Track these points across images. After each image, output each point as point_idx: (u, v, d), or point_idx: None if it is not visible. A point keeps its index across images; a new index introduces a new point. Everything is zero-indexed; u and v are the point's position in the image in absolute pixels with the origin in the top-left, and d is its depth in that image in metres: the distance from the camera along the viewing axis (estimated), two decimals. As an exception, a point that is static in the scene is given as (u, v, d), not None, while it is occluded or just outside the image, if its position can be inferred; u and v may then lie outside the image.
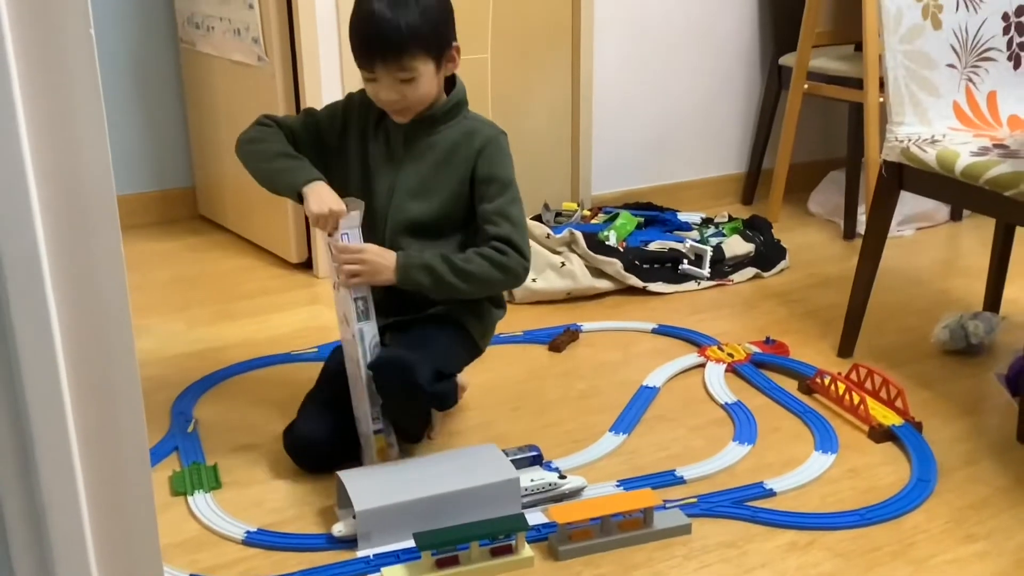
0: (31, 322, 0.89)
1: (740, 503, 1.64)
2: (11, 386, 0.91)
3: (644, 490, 1.61)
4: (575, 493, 1.65)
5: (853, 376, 1.98)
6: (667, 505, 1.62)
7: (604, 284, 2.52)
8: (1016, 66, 2.07)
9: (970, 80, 2.03)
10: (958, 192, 1.88)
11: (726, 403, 1.97)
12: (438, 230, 1.71)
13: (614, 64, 3.00)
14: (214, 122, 2.90)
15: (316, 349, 2.20)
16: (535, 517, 1.58)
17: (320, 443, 1.68)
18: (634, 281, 2.52)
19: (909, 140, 1.94)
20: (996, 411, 1.96)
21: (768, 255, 2.72)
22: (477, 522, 1.49)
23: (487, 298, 1.81)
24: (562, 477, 1.66)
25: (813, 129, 3.27)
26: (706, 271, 2.60)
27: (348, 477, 1.56)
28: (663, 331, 2.32)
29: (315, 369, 2.04)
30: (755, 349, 2.18)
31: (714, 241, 2.72)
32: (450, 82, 1.74)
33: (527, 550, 1.50)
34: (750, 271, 2.66)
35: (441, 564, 1.45)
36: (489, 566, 1.47)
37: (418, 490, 1.54)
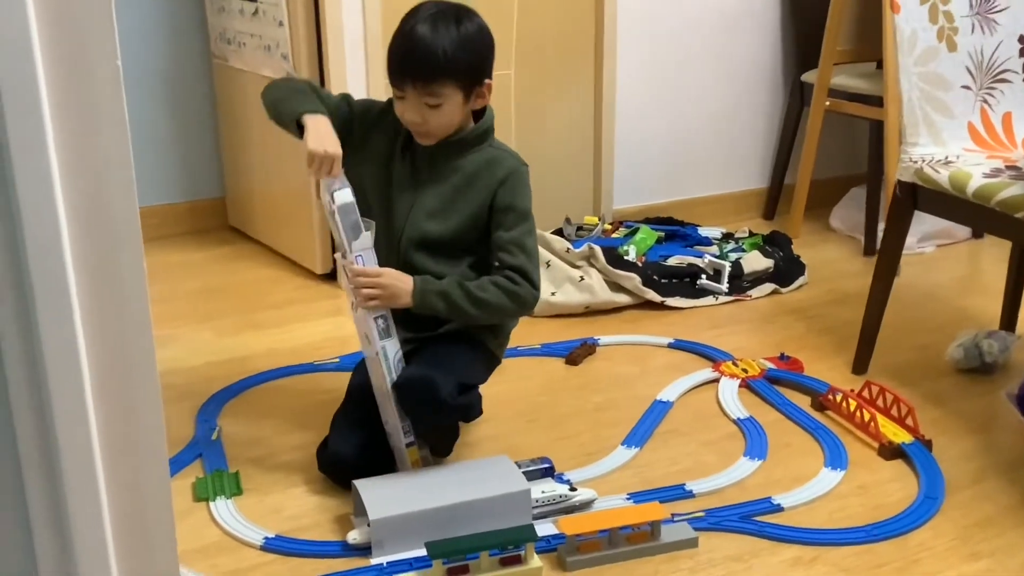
0: (58, 341, 0.94)
1: (747, 518, 1.67)
2: (39, 399, 0.96)
3: (652, 503, 1.64)
4: (585, 505, 1.69)
5: (865, 393, 2.01)
6: (675, 519, 1.65)
7: (622, 298, 2.56)
8: (1032, 87, 2.09)
9: (985, 101, 2.05)
10: (970, 213, 1.90)
11: (738, 418, 2.00)
12: (451, 249, 1.75)
13: (636, 79, 3.04)
14: (245, 135, 2.97)
15: (338, 359, 2.25)
16: (545, 528, 1.61)
17: (354, 461, 1.72)
18: (652, 296, 2.55)
19: (923, 161, 1.96)
20: (1006, 430, 1.98)
21: (787, 271, 2.74)
22: (488, 532, 1.53)
23: None
24: (573, 489, 1.70)
25: (835, 145, 3.29)
26: (724, 286, 2.63)
27: (364, 486, 1.61)
28: (679, 346, 2.35)
29: (336, 379, 2.10)
30: (769, 365, 2.20)
31: (733, 256, 2.75)
32: (480, 108, 1.78)
33: (536, 560, 1.53)
34: (768, 287, 2.68)
35: (452, 573, 1.50)
36: (499, 575, 1.51)
37: (431, 500, 1.59)
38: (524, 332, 2.38)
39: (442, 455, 1.83)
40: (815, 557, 1.58)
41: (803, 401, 2.07)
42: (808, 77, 3.11)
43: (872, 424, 1.91)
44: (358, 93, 2.58)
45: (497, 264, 1.73)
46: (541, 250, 2.62)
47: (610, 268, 2.55)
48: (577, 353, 2.29)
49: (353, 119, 1.78)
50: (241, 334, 2.44)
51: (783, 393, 2.10)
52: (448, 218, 1.75)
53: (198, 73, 3.06)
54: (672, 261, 2.70)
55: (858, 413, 1.94)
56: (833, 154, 3.28)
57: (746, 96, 3.24)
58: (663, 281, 2.60)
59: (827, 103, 2.96)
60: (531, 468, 1.74)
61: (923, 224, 2.82)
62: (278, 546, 1.60)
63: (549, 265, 2.58)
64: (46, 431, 0.97)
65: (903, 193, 2.02)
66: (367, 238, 1.68)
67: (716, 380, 2.16)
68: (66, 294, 0.94)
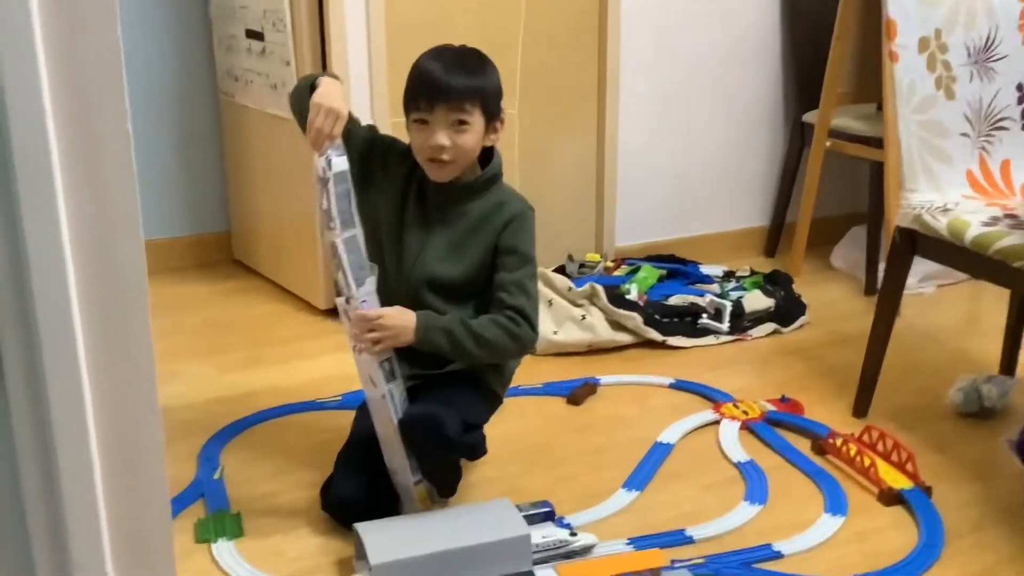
0: (64, 390, 0.96)
1: (747, 565, 1.67)
2: (45, 448, 0.98)
3: (652, 550, 1.65)
4: (585, 550, 1.70)
5: (865, 438, 2.01)
6: (675, 565, 1.65)
7: (624, 337, 2.57)
8: (1031, 134, 2.11)
9: (984, 149, 2.07)
10: (969, 261, 1.91)
11: (739, 462, 2.00)
12: (459, 292, 1.77)
13: (639, 117, 3.07)
14: (250, 170, 3.00)
15: (340, 397, 2.26)
16: (545, 574, 1.62)
17: (357, 502, 1.73)
18: (654, 335, 2.57)
19: (922, 208, 1.98)
20: (1006, 477, 1.98)
21: (788, 310, 2.75)
22: (488, 578, 1.54)
23: None
24: (573, 534, 1.70)
25: (836, 183, 3.31)
26: (725, 326, 2.64)
27: (365, 530, 1.62)
28: (680, 386, 2.36)
29: (340, 417, 2.11)
30: (770, 407, 2.21)
31: (734, 295, 2.77)
32: (486, 156, 1.81)
33: (536, 607, 1.54)
34: (769, 326, 2.70)
35: (452, 619, 1.50)
36: (499, 622, 1.51)
37: (432, 544, 1.59)
38: (526, 371, 2.39)
39: (447, 496, 1.84)
40: (814, 606, 1.59)
41: (804, 444, 2.08)
42: (809, 118, 3.13)
43: (872, 469, 1.91)
44: (363, 132, 2.61)
45: (497, 304, 1.74)
46: (543, 288, 2.64)
47: (612, 307, 2.57)
48: (579, 393, 2.30)
49: (374, 148, 1.80)
50: (245, 370, 2.45)
51: (784, 436, 2.11)
52: (457, 262, 1.77)
53: (205, 109, 3.10)
54: (674, 300, 2.71)
55: (858, 458, 1.95)
56: (834, 192, 3.30)
57: (748, 135, 3.27)
58: (664, 320, 2.61)
59: (828, 144, 2.99)
60: (531, 512, 1.74)
61: (924, 264, 2.82)
62: (279, 590, 1.61)
63: (551, 304, 2.60)
64: (51, 486, 0.98)
65: (902, 239, 2.04)
66: (371, 283, 1.69)
67: (717, 422, 2.17)
68: (74, 350, 0.95)
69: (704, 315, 2.66)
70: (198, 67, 3.05)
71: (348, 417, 1.94)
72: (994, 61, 2.08)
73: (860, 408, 2.20)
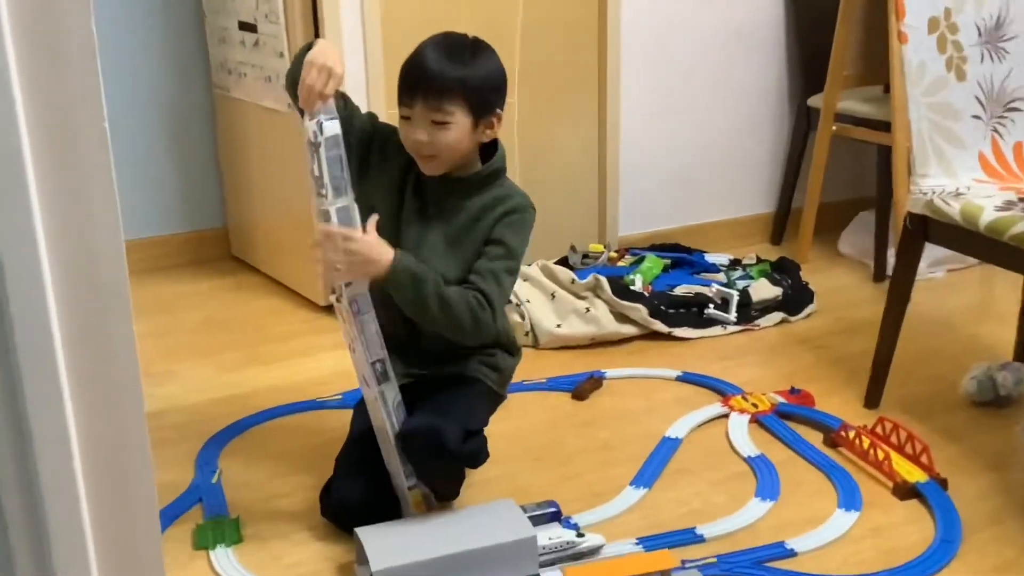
0: (43, 398, 0.91)
1: (760, 564, 1.63)
2: (24, 458, 0.93)
3: (662, 551, 1.60)
4: (593, 551, 1.65)
5: (878, 430, 1.97)
6: (686, 565, 1.61)
7: (629, 329, 2.52)
8: (1044, 115, 2.05)
9: (996, 131, 2.02)
10: (983, 247, 1.86)
11: (749, 456, 1.96)
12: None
13: (641, 104, 3.01)
14: (246, 165, 2.95)
15: (341, 396, 2.22)
16: (552, 576, 1.58)
17: (357, 506, 1.68)
18: (659, 327, 2.52)
19: (933, 193, 1.92)
20: (1022, 467, 1.93)
21: (796, 299, 2.70)
22: (493, 583, 1.49)
23: (502, 348, 1.81)
24: (580, 535, 1.66)
25: (843, 168, 3.25)
26: (732, 316, 2.59)
27: (366, 534, 1.58)
28: (687, 379, 2.31)
29: (341, 417, 2.07)
30: (780, 399, 2.17)
31: (741, 284, 2.71)
32: (491, 149, 1.74)
33: (543, 611, 1.50)
34: (777, 316, 2.65)
35: (457, 625, 1.46)
36: (505, 628, 1.47)
37: (435, 549, 1.55)
38: (530, 366, 2.35)
39: (449, 499, 1.79)
40: (830, 605, 1.54)
41: (815, 437, 2.03)
42: (814, 101, 3.08)
43: (886, 462, 1.87)
44: (360, 124, 2.56)
45: (467, 284, 1.66)
46: (546, 281, 2.60)
47: (616, 299, 2.52)
48: (584, 387, 2.25)
49: (374, 136, 1.73)
50: (243, 370, 2.41)
51: (794, 429, 2.06)
52: (456, 256, 1.71)
53: (199, 103, 3.04)
54: (679, 290, 2.66)
55: (872, 451, 1.90)
56: (840, 177, 3.25)
57: (752, 120, 3.21)
58: (670, 311, 2.56)
59: (834, 128, 2.93)
60: (537, 513, 1.70)
61: (934, 248, 2.77)
62: (279, 597, 1.57)
63: (555, 297, 2.55)
64: (32, 500, 0.94)
65: (914, 225, 1.98)
66: (352, 196, 1.57)
67: (725, 415, 2.12)
68: (53, 363, 0.91)
69: (710, 305, 2.61)
70: (192, 61, 3.00)
71: (349, 416, 1.89)
72: (1005, 41, 2.02)
73: (872, 398, 2.15)
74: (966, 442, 2.01)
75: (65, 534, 0.96)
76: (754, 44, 3.14)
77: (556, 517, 1.72)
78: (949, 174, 1.97)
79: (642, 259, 2.81)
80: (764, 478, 1.88)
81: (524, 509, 1.68)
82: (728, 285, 2.70)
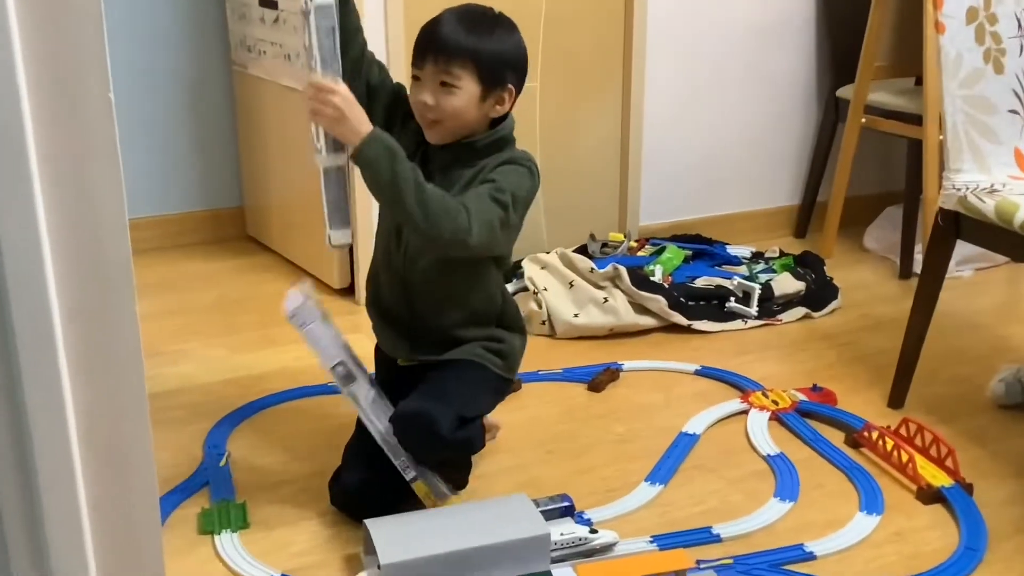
0: (42, 384, 0.89)
1: (778, 566, 1.58)
2: (22, 447, 0.90)
3: (677, 551, 1.56)
4: (606, 548, 1.61)
5: (902, 431, 1.91)
6: (701, 566, 1.57)
7: (647, 321, 2.47)
8: (1084, 112, 1.99)
9: (1034, 126, 1.95)
10: (1017, 246, 1.80)
11: (768, 455, 1.91)
12: (456, 263, 1.67)
13: (666, 92, 2.96)
14: (264, 143, 2.92)
15: (353, 381, 2.18)
16: (563, 573, 1.53)
17: (366, 495, 1.65)
18: (678, 319, 2.47)
19: (967, 188, 1.87)
20: (1052, 474, 1.88)
21: (819, 294, 2.65)
22: (503, 578, 1.46)
23: (506, 328, 1.76)
24: (593, 531, 1.62)
25: (871, 162, 3.19)
26: (754, 310, 2.54)
27: (375, 526, 1.54)
28: (706, 373, 2.26)
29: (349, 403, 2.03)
30: (801, 397, 2.12)
31: (763, 278, 2.66)
32: (501, 120, 1.70)
33: (554, 609, 1.46)
34: (800, 311, 2.59)
35: (465, 621, 1.43)
36: (514, 625, 1.43)
37: (445, 544, 1.51)
38: (546, 355, 2.32)
39: (458, 489, 1.75)
40: (849, 612, 1.50)
41: (837, 437, 1.98)
42: (844, 92, 3.01)
43: (910, 465, 1.82)
44: (379, 105, 2.52)
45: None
46: (564, 270, 2.55)
47: (635, 290, 2.47)
48: (600, 379, 2.21)
49: (398, 100, 1.70)
50: (256, 350, 2.37)
51: (815, 428, 2.01)
52: None
53: (218, 81, 3.01)
54: (700, 283, 2.61)
55: (895, 453, 1.85)
56: (868, 171, 3.18)
57: (779, 111, 3.15)
58: (690, 303, 2.51)
59: (863, 120, 2.87)
60: (550, 507, 1.66)
61: (961, 246, 2.71)
62: (284, 586, 1.53)
63: (573, 286, 2.50)
64: (29, 490, 0.91)
65: (945, 221, 1.93)
66: (340, 70, 1.52)
67: (745, 412, 2.07)
68: (52, 343, 0.88)
69: (732, 298, 2.55)
70: (211, 38, 2.96)
71: (360, 402, 1.86)
72: (1046, 33, 1.96)
73: (896, 398, 2.10)
74: (992, 446, 1.96)
75: (62, 518, 0.94)
76: (783, 32, 3.07)
77: (569, 512, 1.68)
78: (983, 170, 1.91)
79: (662, 249, 2.76)
80: (783, 478, 1.83)
81: (537, 503, 1.64)
82: (750, 278, 2.65)
